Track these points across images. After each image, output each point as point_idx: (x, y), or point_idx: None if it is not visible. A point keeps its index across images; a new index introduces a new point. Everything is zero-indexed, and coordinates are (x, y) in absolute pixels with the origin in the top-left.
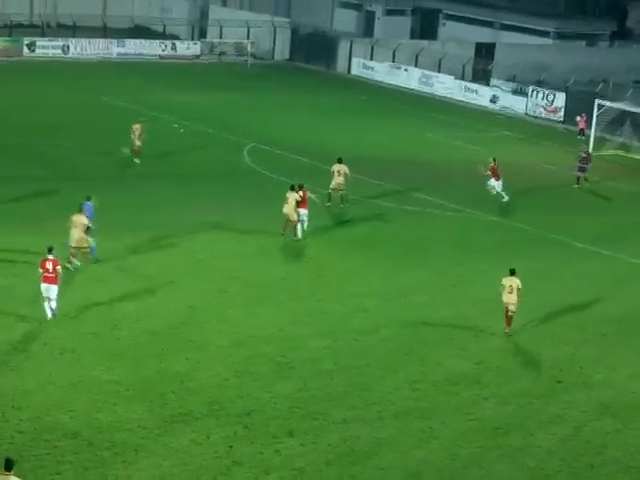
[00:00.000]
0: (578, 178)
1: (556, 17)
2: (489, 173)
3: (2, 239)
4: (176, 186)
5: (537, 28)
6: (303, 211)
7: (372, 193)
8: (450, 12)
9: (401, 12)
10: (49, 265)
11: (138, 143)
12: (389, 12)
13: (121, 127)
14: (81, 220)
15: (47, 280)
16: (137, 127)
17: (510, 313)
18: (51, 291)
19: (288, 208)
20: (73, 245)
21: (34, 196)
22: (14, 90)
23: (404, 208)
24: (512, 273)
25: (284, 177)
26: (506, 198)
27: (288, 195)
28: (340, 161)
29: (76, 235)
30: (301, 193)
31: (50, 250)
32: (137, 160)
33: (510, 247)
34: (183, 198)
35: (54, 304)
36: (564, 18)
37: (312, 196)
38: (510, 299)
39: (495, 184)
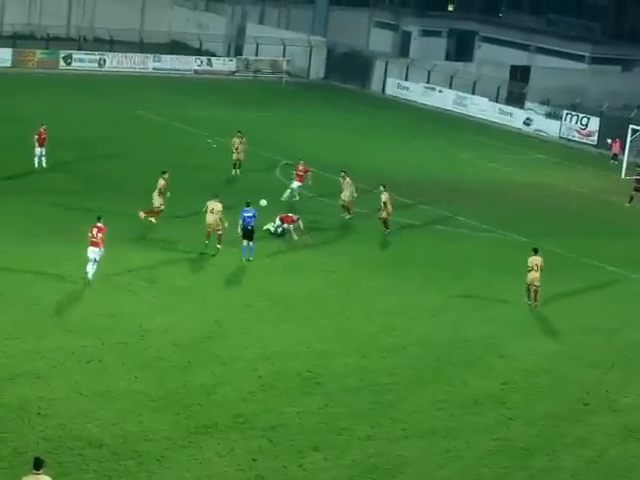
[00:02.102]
0: (632, 197)
1: (592, 42)
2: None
3: (32, 248)
4: (206, 200)
5: (572, 52)
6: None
7: (403, 212)
8: (486, 34)
9: (437, 33)
10: (95, 231)
11: (237, 156)
12: (425, 33)
13: (155, 140)
14: (217, 207)
15: (92, 244)
16: (236, 141)
17: (535, 288)
18: (94, 253)
19: (212, 218)
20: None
21: (67, 208)
22: (49, 103)
23: (435, 228)
24: (535, 252)
25: (314, 194)
26: (292, 197)
27: (211, 205)
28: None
29: (211, 220)
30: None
31: (99, 218)
32: (233, 172)
33: (542, 270)
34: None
35: (92, 266)
36: (600, 43)
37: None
38: (534, 277)
39: (295, 186)
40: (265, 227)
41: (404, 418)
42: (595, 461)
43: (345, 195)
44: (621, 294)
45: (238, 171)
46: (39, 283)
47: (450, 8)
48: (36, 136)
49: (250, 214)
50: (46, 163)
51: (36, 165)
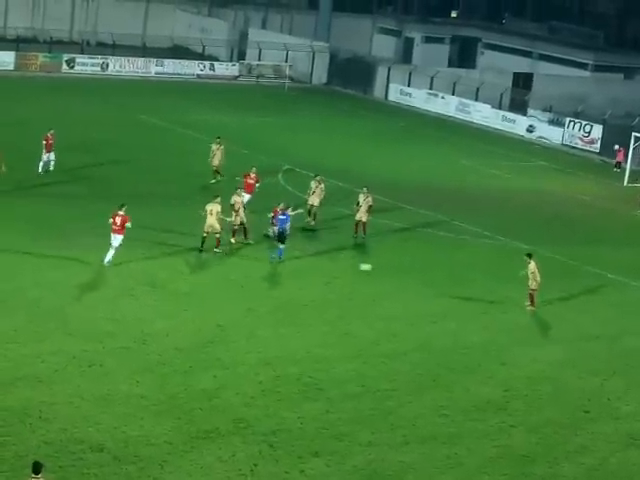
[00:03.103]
0: None
1: (595, 49)
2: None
3: (33, 252)
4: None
5: (575, 60)
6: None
7: (405, 218)
8: (489, 41)
9: (440, 40)
10: (117, 219)
11: (214, 163)
12: (428, 39)
13: (157, 145)
14: (216, 209)
15: (113, 231)
16: (214, 147)
17: (532, 292)
18: (115, 240)
19: (211, 220)
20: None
21: (69, 212)
22: (51, 106)
23: (437, 234)
24: (530, 257)
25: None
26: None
27: (210, 207)
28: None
29: (210, 222)
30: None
31: (121, 207)
32: (214, 180)
33: (542, 277)
34: None
35: (111, 252)
36: (603, 50)
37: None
38: (536, 282)
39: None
40: (265, 232)
41: (405, 424)
42: (596, 469)
43: (315, 200)
44: (622, 302)
45: (218, 177)
46: (40, 287)
47: (453, 15)
48: (44, 141)
49: (284, 217)
50: (52, 167)
51: (39, 170)
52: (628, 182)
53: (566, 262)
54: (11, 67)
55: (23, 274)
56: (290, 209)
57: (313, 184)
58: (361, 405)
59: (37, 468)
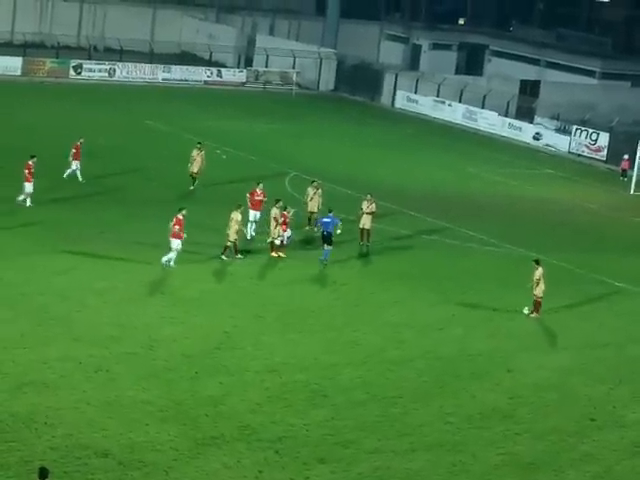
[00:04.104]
0: None
1: (602, 57)
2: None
3: (41, 257)
4: (214, 211)
5: (582, 67)
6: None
7: (412, 225)
8: (496, 48)
9: (447, 47)
10: (174, 223)
11: (194, 170)
12: (435, 46)
13: (164, 151)
14: (237, 217)
15: (172, 235)
16: (194, 152)
17: (539, 299)
18: (172, 243)
19: (233, 228)
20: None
21: (75, 217)
22: (58, 112)
23: (443, 241)
24: (538, 263)
25: (324, 207)
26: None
27: (233, 215)
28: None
29: (232, 230)
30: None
31: (180, 210)
32: (192, 187)
33: (549, 284)
34: (221, 223)
35: (168, 254)
36: (610, 58)
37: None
38: (541, 289)
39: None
40: (269, 240)
41: (411, 431)
42: (601, 477)
43: (313, 206)
44: (629, 309)
45: (193, 185)
46: (48, 292)
47: (461, 22)
48: (73, 150)
49: (328, 220)
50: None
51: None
52: (635, 190)
53: (572, 270)
54: (18, 72)
55: (31, 279)
56: (288, 210)
57: (311, 190)
58: (367, 412)
59: (43, 474)
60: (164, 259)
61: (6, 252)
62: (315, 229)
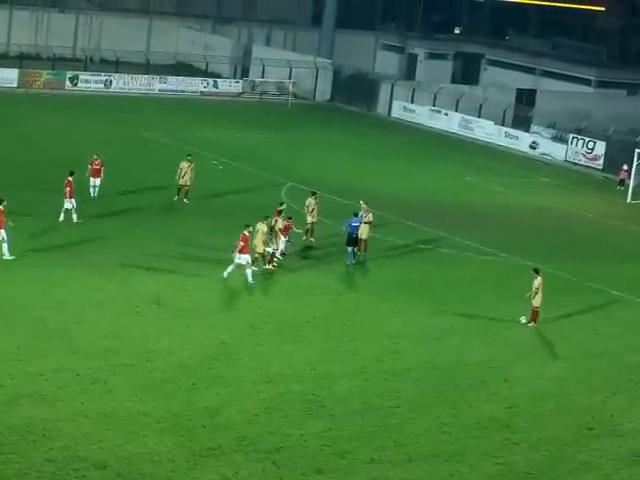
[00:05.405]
0: None
1: (598, 65)
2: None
3: (40, 270)
4: (212, 223)
5: (578, 76)
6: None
7: (409, 235)
8: (492, 57)
9: (443, 56)
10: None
11: (182, 182)
12: (431, 56)
13: (161, 162)
14: (263, 228)
15: (238, 250)
16: (184, 165)
17: (537, 309)
18: (236, 258)
19: (256, 240)
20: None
21: (72, 230)
22: (55, 123)
23: (441, 251)
24: (537, 272)
25: (321, 217)
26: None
27: (258, 226)
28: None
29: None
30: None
31: (246, 226)
32: (176, 198)
33: (545, 293)
34: (220, 234)
35: (231, 267)
36: (606, 67)
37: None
38: (539, 299)
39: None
40: (267, 250)
41: (408, 441)
42: None
43: (313, 217)
44: (626, 318)
45: (185, 199)
46: (45, 304)
47: (456, 31)
48: (89, 166)
49: (357, 223)
50: (97, 193)
51: (92, 195)
52: (631, 199)
53: (569, 278)
54: (14, 84)
55: (28, 292)
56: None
57: (313, 201)
58: (364, 422)
59: None
60: (250, 280)
61: (2, 264)
62: (342, 232)
